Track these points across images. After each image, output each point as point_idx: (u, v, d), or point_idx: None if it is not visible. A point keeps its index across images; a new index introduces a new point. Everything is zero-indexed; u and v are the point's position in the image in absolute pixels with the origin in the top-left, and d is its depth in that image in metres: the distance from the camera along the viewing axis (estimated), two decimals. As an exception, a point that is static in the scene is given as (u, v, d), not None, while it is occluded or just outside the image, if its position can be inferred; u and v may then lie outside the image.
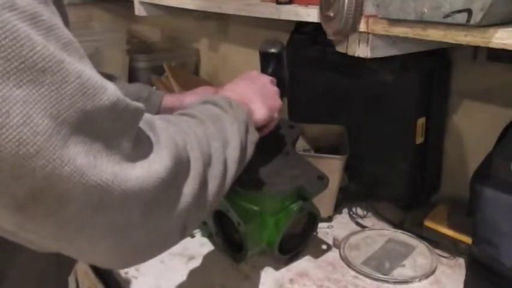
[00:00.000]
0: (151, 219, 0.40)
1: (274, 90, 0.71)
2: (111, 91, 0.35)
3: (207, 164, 0.48)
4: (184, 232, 0.46)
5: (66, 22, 0.38)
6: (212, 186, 0.49)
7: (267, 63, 0.78)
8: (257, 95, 0.66)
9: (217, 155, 0.51)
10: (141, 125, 0.40)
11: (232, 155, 0.54)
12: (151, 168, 0.38)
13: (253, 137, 0.61)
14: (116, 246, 0.39)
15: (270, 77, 0.73)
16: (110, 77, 0.94)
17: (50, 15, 0.33)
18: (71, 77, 0.32)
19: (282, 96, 0.75)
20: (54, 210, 0.33)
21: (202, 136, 0.50)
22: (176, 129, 0.46)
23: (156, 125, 0.43)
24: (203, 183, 0.47)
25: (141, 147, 0.39)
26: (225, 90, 0.66)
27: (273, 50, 0.78)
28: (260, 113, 0.65)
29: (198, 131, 0.50)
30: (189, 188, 0.44)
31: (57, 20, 0.34)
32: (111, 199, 0.35)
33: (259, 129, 0.66)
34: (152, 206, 0.39)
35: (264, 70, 0.77)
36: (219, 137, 0.53)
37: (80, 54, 0.35)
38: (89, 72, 0.34)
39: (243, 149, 0.57)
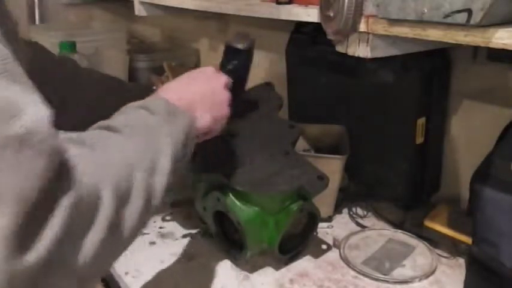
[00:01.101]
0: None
1: (225, 97, 0.66)
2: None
3: (122, 203, 0.42)
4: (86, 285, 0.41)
5: (12, 35, 0.36)
6: (129, 223, 0.43)
7: (230, 58, 0.74)
8: (205, 101, 0.62)
9: (139, 187, 0.45)
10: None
11: (160, 180, 0.49)
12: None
13: (192, 147, 0.57)
14: None
15: (225, 79, 0.68)
16: (110, 78, 0.94)
17: None
18: None
19: (235, 96, 0.71)
20: None
21: (122, 166, 0.44)
22: (90, 160, 0.40)
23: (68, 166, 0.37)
24: (114, 226, 0.41)
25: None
26: (171, 89, 0.62)
27: (239, 46, 0.74)
28: (203, 121, 0.61)
29: (116, 158, 0.44)
30: (94, 237, 0.38)
31: None
32: None
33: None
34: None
35: (224, 64, 0.74)
36: (144, 159, 0.47)
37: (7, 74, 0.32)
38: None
39: (178, 161, 0.52)
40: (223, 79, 0.67)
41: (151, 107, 0.54)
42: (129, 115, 0.53)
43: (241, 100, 0.77)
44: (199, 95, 0.62)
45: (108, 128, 0.49)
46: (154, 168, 0.48)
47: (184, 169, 0.58)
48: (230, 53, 0.74)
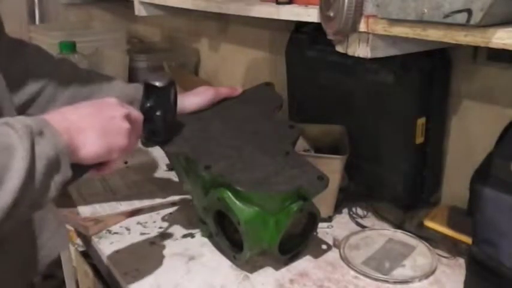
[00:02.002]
0: None
1: (123, 127, 0.62)
2: None
3: None
4: None
5: None
6: None
7: (148, 95, 0.74)
8: (95, 127, 0.58)
9: None
10: None
11: (2, 201, 0.47)
12: None
13: (64, 175, 0.54)
14: None
15: (127, 111, 0.64)
16: (109, 79, 0.94)
17: None
18: None
19: (152, 135, 0.71)
20: None
21: None
22: None
23: None
24: None
25: None
26: (57, 112, 0.58)
27: (157, 84, 0.73)
28: (90, 148, 0.57)
29: None
30: None
31: None
32: None
33: (97, 165, 0.60)
34: None
35: (143, 102, 0.74)
36: None
37: None
38: None
39: (35, 190, 0.50)
40: (123, 109, 0.63)
41: (15, 124, 0.50)
42: None
43: (166, 138, 0.77)
44: (87, 120, 0.58)
45: None
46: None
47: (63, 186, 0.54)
48: (148, 91, 0.74)
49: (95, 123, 0.59)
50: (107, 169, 0.63)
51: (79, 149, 0.56)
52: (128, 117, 0.64)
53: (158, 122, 0.74)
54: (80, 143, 0.56)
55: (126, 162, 1.12)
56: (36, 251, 0.74)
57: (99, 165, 0.61)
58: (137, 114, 0.67)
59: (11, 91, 0.69)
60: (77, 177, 0.58)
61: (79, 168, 0.58)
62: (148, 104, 0.74)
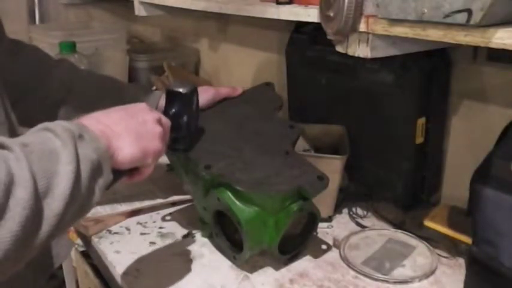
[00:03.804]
0: None
1: (156, 131, 0.62)
2: None
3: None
4: None
5: None
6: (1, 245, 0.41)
7: (171, 102, 0.73)
8: (129, 131, 0.58)
9: (17, 210, 0.42)
10: None
11: (54, 206, 0.45)
12: None
13: (106, 179, 0.53)
14: None
15: (158, 116, 0.64)
16: (111, 80, 0.94)
17: None
18: None
19: (176, 142, 0.71)
20: None
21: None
22: None
23: None
24: None
25: None
26: (90, 117, 0.57)
27: (180, 90, 0.73)
28: (127, 152, 0.57)
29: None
30: None
31: None
32: None
33: (130, 171, 0.60)
34: None
35: (166, 109, 0.73)
36: (38, 181, 0.44)
37: None
38: None
39: (82, 195, 0.49)
40: (155, 114, 0.64)
41: (56, 129, 0.50)
42: (30, 136, 0.50)
43: (189, 146, 0.77)
44: (122, 124, 0.58)
45: (2, 147, 0.45)
46: (47, 191, 0.45)
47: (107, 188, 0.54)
48: (170, 97, 0.74)
49: (129, 127, 0.58)
50: (139, 176, 0.62)
51: (116, 153, 0.56)
52: (160, 122, 0.63)
53: (183, 129, 0.73)
54: (117, 147, 0.56)
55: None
56: (44, 259, 0.74)
57: (132, 171, 0.60)
58: (166, 120, 0.67)
59: (10, 94, 0.69)
60: (113, 182, 0.57)
61: (116, 173, 0.57)
62: (173, 110, 0.73)
